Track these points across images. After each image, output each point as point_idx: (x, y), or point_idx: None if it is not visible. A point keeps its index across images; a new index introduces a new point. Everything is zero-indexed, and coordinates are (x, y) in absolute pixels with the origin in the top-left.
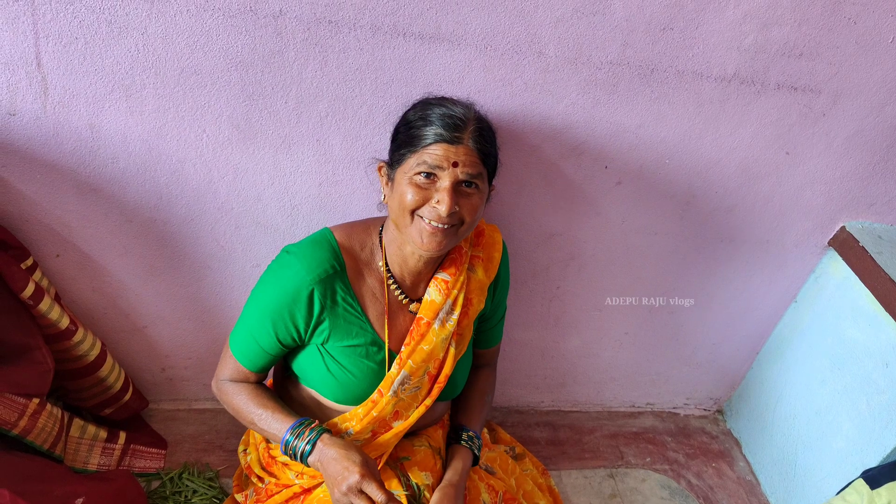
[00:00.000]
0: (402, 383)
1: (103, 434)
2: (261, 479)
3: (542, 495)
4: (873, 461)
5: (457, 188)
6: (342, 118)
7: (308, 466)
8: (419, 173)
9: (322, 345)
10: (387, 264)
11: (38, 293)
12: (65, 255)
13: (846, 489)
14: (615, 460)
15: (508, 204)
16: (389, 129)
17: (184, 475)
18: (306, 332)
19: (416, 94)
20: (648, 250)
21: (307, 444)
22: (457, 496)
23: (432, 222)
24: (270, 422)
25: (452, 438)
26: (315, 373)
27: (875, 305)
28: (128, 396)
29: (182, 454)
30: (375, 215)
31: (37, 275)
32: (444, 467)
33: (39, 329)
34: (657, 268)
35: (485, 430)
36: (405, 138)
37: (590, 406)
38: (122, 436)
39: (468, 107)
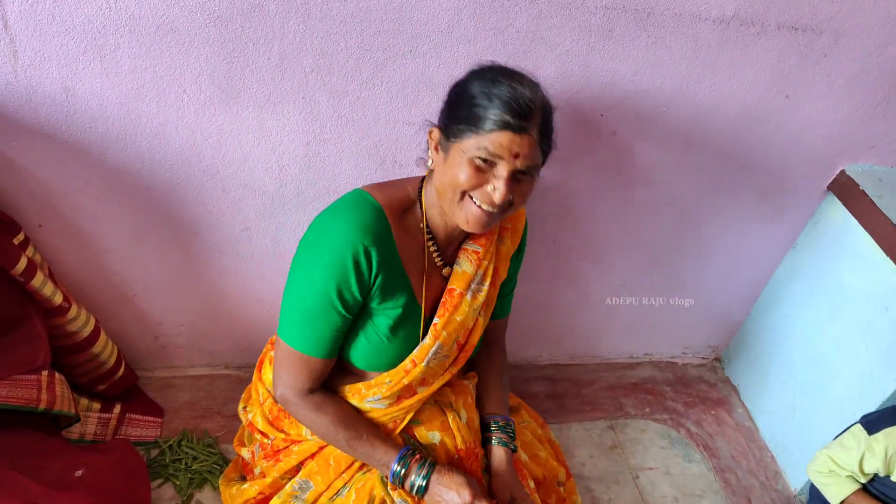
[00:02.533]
0: (435, 353)
1: (97, 405)
2: (265, 434)
3: (542, 446)
4: (872, 406)
5: (513, 177)
6: (328, 73)
7: (421, 498)
8: (478, 157)
9: (368, 306)
10: (427, 225)
11: (31, 268)
12: (48, 225)
13: (844, 434)
14: (615, 412)
15: None
16: (378, 83)
17: (183, 442)
18: (367, 294)
19: (403, 47)
20: (644, 201)
21: (422, 479)
22: (514, 480)
23: (483, 206)
24: (367, 449)
25: (485, 436)
26: (352, 338)
27: (875, 249)
28: (121, 372)
29: (180, 421)
30: (368, 175)
31: (29, 250)
32: (457, 425)
33: (34, 302)
34: (655, 218)
35: None
36: (467, 114)
37: (588, 359)
38: (118, 406)
39: (535, 88)
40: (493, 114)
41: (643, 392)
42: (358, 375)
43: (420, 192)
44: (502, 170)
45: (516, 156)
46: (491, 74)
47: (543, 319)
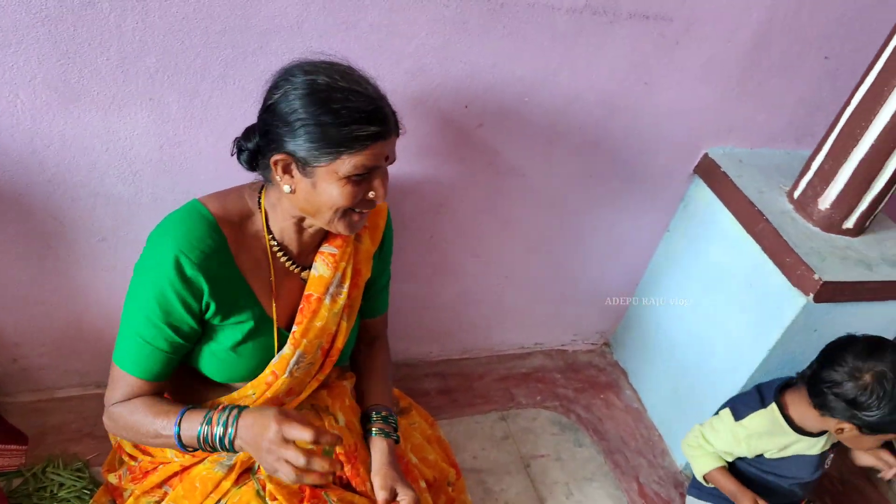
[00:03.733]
0: (296, 362)
1: None
2: (133, 457)
3: (431, 447)
4: (744, 378)
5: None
6: (175, 73)
7: (237, 452)
8: (355, 175)
9: (209, 322)
10: (270, 232)
11: None
12: None
13: (717, 416)
14: (506, 402)
15: None
16: (229, 83)
17: (47, 469)
18: (201, 315)
19: (252, 44)
20: (519, 192)
21: (222, 426)
22: (395, 473)
23: (364, 210)
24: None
25: (366, 428)
26: (201, 353)
27: (738, 228)
28: None
29: (47, 447)
30: (230, 178)
31: None
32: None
33: None
34: (529, 208)
35: None
36: (332, 137)
37: (479, 352)
38: None
39: (370, 80)
40: (364, 129)
41: (534, 381)
42: (224, 387)
43: (259, 199)
44: (378, 173)
45: (387, 157)
46: (325, 83)
47: (431, 316)
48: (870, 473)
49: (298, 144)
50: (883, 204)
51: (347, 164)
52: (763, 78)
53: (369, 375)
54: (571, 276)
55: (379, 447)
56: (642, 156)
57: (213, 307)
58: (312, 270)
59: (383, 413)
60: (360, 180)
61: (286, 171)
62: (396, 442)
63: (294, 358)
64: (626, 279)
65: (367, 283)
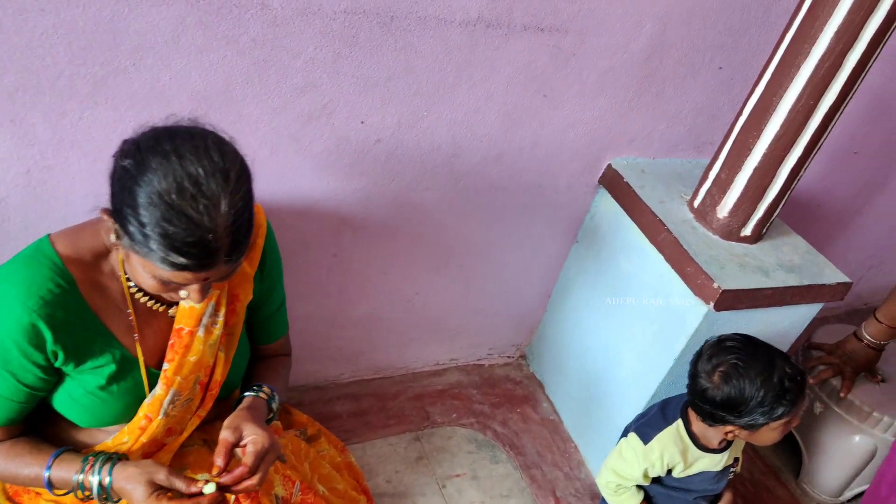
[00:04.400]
0: (171, 401)
1: None
2: None
3: (341, 476)
4: (652, 387)
5: (207, 284)
6: (38, 93)
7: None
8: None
9: (63, 370)
10: (126, 271)
11: None
12: None
13: (622, 443)
14: (421, 422)
15: (258, 173)
16: (101, 101)
17: None
18: (49, 364)
19: (124, 61)
20: (423, 207)
21: (100, 476)
22: (250, 416)
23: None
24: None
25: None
26: (60, 398)
27: (642, 238)
28: None
29: None
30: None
31: None
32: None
33: None
34: (437, 223)
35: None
36: (140, 240)
37: (393, 371)
38: None
39: (219, 197)
40: (174, 258)
41: (450, 398)
42: (97, 430)
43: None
44: (192, 286)
45: (206, 279)
46: (164, 191)
47: (340, 336)
48: (779, 473)
49: (117, 215)
50: (778, 211)
51: (154, 270)
52: (660, 88)
53: (259, 369)
54: (484, 289)
55: (244, 402)
56: (547, 167)
57: (61, 355)
58: (182, 302)
59: (260, 384)
60: (170, 282)
61: (113, 229)
62: (271, 414)
63: (168, 397)
64: (538, 290)
65: (254, 306)
